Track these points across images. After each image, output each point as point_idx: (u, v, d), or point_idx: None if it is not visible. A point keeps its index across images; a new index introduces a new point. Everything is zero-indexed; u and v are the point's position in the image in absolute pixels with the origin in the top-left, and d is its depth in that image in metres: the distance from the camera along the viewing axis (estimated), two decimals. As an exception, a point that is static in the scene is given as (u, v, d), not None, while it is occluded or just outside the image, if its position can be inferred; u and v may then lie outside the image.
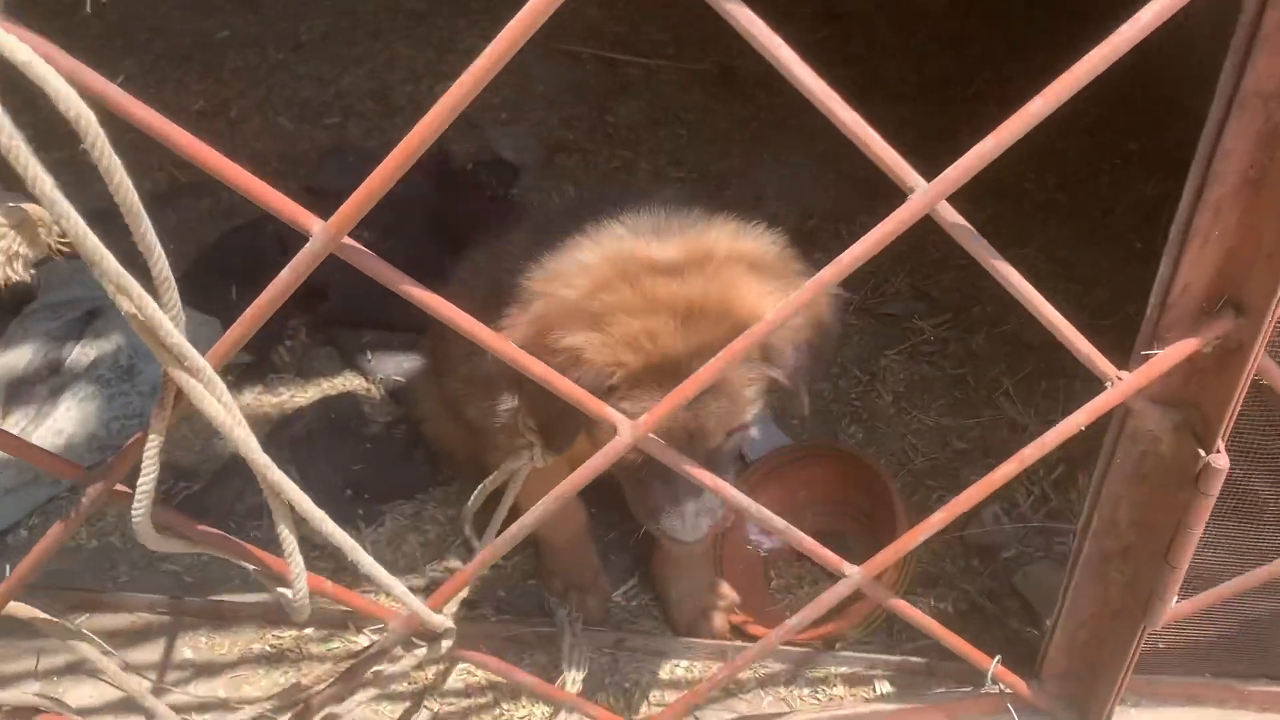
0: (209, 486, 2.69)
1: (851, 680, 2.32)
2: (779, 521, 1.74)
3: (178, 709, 2.29)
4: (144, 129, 1.19)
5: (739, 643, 2.39)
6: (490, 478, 2.28)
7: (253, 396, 3.00)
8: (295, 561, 1.57)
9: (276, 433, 2.77)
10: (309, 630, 2.42)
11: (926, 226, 4.14)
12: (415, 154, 1.28)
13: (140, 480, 1.46)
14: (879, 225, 1.46)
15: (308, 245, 1.34)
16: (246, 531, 2.60)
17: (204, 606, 2.44)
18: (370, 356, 2.97)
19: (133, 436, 1.46)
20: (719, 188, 3.92)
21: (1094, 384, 3.03)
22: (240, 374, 3.02)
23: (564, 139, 4.23)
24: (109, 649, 2.16)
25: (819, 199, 3.81)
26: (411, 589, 2.48)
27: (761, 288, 1.76)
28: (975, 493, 1.78)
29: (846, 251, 1.46)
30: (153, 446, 1.43)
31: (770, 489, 2.60)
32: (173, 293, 1.31)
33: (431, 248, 3.16)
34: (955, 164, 1.43)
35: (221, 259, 3.17)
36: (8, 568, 1.62)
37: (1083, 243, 3.51)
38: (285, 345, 3.07)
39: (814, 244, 3.54)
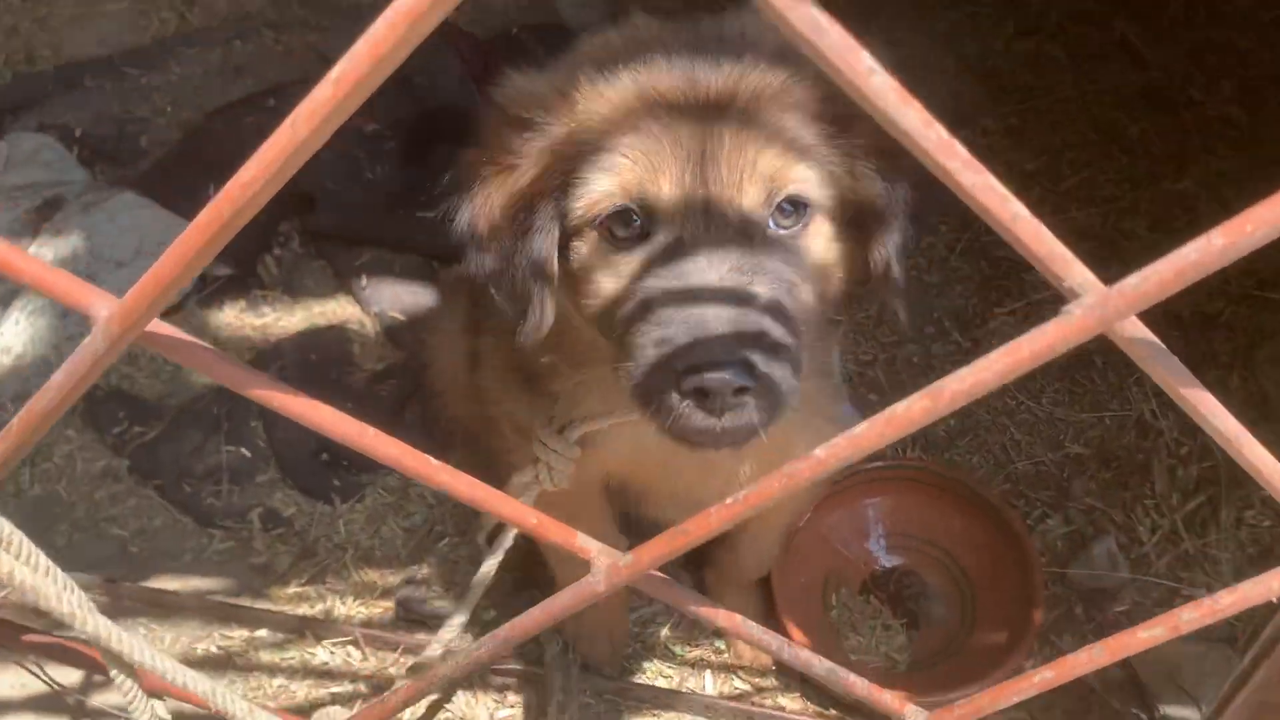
0: (163, 438, 2.29)
1: (906, 766, 1.87)
2: (819, 664, 1.27)
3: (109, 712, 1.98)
4: None
5: (770, 710, 1.96)
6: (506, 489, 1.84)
7: (234, 315, 2.56)
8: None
9: (261, 368, 2.33)
10: (262, 632, 2.05)
11: (1065, 141, 3.37)
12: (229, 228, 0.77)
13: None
14: (1017, 343, 0.90)
15: (87, 341, 0.86)
16: (202, 498, 2.21)
17: (145, 593, 2.08)
18: (365, 282, 2.48)
19: None
20: (812, 70, 3.27)
21: (1268, 373, 2.44)
22: (221, 287, 2.58)
23: (638, -5, 3.57)
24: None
25: (933, 92, 3.12)
26: (387, 588, 2.11)
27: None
28: (1102, 656, 1.27)
29: (958, 375, 0.93)
30: None
31: (835, 511, 2.12)
32: None
33: (450, 140, 2.62)
34: (1149, 269, 0.86)
35: (200, 150, 2.67)
36: None
37: (1259, 175, 2.80)
38: (273, 254, 2.60)
39: (921, 153, 2.91)
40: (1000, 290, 2.62)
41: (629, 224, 1.21)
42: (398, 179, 2.55)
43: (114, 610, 2.08)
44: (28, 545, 0.99)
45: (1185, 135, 2.95)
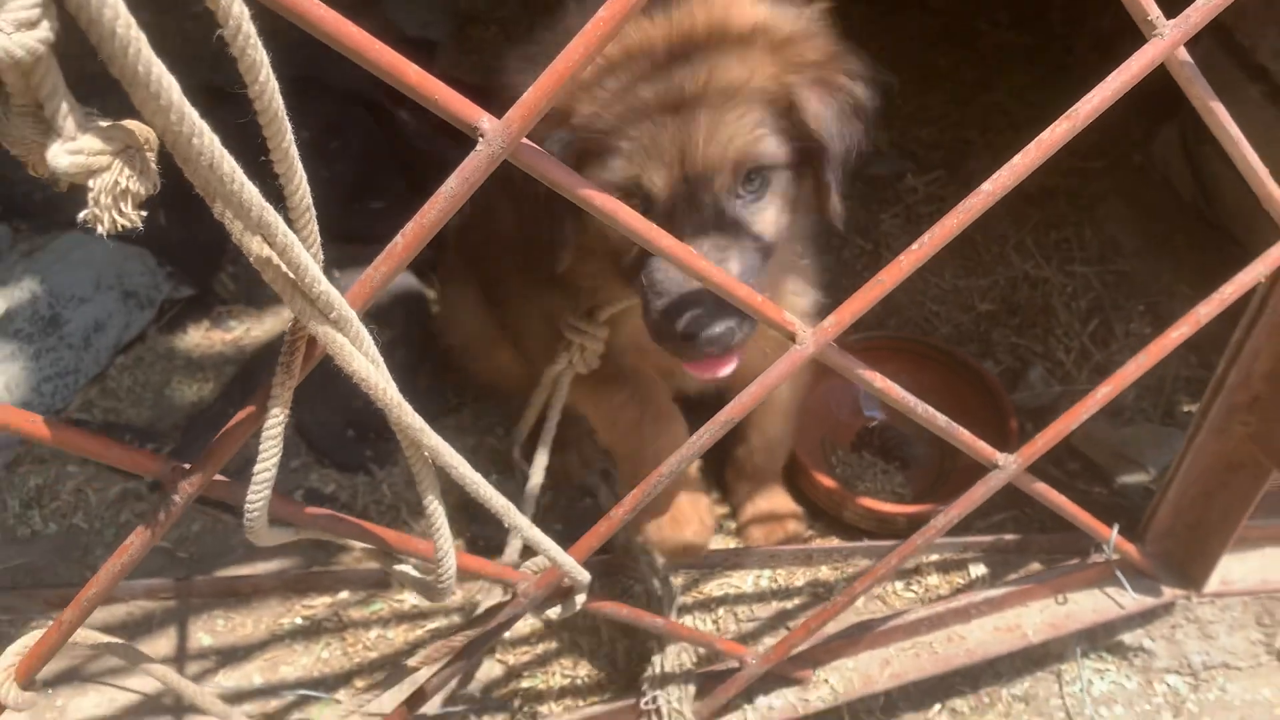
0: (182, 448, 2.31)
1: (944, 567, 2.20)
2: (940, 419, 1.57)
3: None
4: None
5: (821, 544, 2.23)
6: (535, 393, 2.06)
7: (201, 334, 2.60)
8: (443, 538, 1.29)
9: (254, 372, 2.39)
10: (344, 594, 2.12)
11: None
12: (610, 36, 0.98)
13: (257, 469, 1.15)
14: (1118, 71, 1.26)
15: (480, 148, 1.01)
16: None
17: (217, 584, 2.10)
18: (339, 274, 2.58)
19: (237, 416, 1.14)
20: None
21: (1109, 224, 2.94)
22: (181, 310, 2.60)
23: (473, 9, 3.82)
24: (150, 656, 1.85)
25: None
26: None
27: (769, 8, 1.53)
28: (1146, 361, 1.63)
29: (1087, 99, 1.27)
30: (275, 423, 1.12)
31: (825, 383, 2.42)
32: (312, 225, 0.98)
33: (379, 139, 2.79)
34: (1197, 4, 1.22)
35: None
36: None
37: (1049, 84, 3.39)
38: (228, 271, 2.66)
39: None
40: (881, 200, 3.04)
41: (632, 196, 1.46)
42: (349, 175, 2.67)
43: (186, 610, 2.10)
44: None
45: (984, 59, 3.50)
